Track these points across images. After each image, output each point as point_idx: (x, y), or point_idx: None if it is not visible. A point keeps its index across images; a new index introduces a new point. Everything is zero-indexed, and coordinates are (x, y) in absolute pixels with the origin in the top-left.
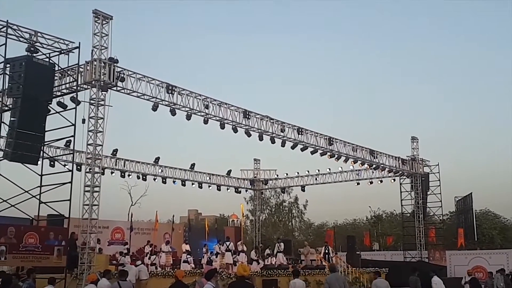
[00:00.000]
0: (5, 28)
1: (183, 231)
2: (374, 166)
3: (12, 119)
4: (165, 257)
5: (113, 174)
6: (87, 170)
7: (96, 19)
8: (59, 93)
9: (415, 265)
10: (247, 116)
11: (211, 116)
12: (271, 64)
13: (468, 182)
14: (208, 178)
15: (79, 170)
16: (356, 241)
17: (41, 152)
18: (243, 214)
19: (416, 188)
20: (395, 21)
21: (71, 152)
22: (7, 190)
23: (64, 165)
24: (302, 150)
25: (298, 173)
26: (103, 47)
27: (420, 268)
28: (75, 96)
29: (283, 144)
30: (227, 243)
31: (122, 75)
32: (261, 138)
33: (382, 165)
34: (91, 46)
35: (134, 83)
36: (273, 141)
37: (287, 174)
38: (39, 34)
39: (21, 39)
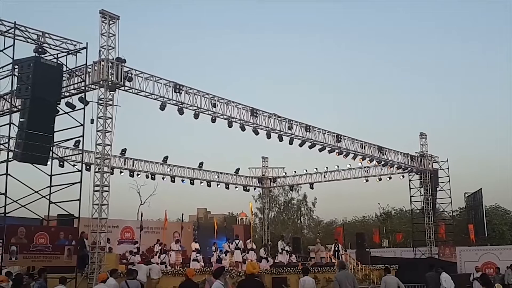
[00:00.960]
0: (13, 30)
1: (192, 229)
2: (382, 162)
3: (21, 120)
4: (174, 256)
5: (122, 174)
6: (96, 170)
7: (103, 19)
8: (67, 94)
9: (432, 262)
10: (255, 114)
11: (219, 114)
12: (278, 63)
13: (477, 177)
14: (216, 176)
15: (88, 170)
16: (366, 238)
17: (51, 152)
18: (252, 212)
19: (425, 184)
20: (403, 18)
21: (80, 152)
22: (17, 190)
23: (74, 165)
24: (310, 147)
25: (306, 170)
26: (110, 47)
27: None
28: (83, 96)
29: (291, 142)
30: (236, 241)
31: (130, 75)
32: (269, 136)
33: (390, 162)
34: (98, 46)
35: (142, 83)
36: (281, 139)
37: (295, 171)
38: (46, 35)
39: (29, 40)
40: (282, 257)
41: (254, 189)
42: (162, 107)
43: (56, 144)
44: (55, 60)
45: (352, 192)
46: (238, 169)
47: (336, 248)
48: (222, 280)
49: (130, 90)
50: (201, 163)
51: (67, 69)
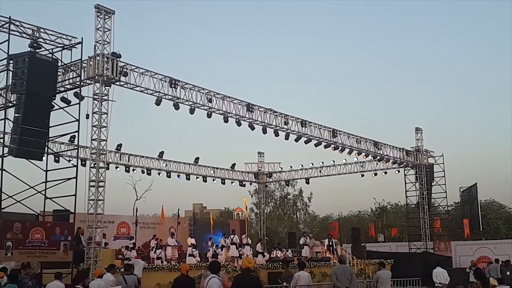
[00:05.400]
0: (7, 24)
1: (188, 224)
2: (378, 157)
3: (16, 115)
4: (170, 251)
5: (118, 169)
6: (92, 165)
7: (99, 14)
8: (62, 89)
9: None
10: (251, 109)
11: (215, 109)
12: (275, 60)
13: (473, 172)
14: (212, 171)
15: (83, 165)
16: (361, 232)
17: (46, 147)
18: (246, 207)
19: (421, 179)
20: (399, 14)
21: (75, 147)
22: (13, 186)
23: (69, 161)
24: (306, 142)
25: (302, 165)
26: (105, 42)
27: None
28: (78, 91)
29: (287, 137)
30: (232, 236)
31: (125, 70)
32: (264, 131)
33: (386, 157)
34: (93, 41)
35: (137, 78)
36: (276, 134)
37: (291, 166)
38: (41, 30)
39: (24, 35)
40: (305, 252)
41: (250, 184)
42: (158, 102)
43: (52, 140)
44: (50, 55)
45: (348, 187)
46: (234, 164)
47: (330, 243)
48: (220, 275)
49: (126, 85)
50: (197, 158)
51: (62, 64)
